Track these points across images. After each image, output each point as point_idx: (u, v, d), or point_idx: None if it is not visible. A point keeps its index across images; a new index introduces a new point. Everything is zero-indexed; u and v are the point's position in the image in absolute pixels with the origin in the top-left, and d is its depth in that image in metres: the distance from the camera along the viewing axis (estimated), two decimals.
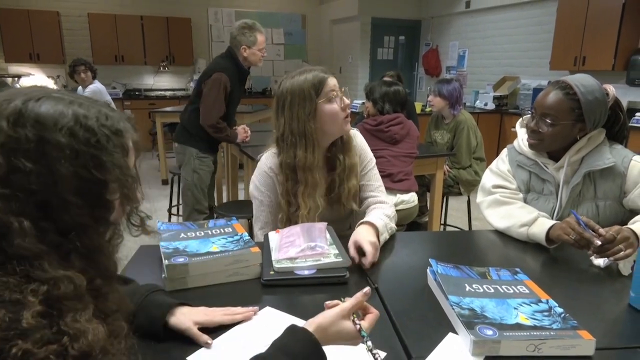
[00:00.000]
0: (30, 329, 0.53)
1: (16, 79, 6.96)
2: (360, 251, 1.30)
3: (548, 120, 1.47)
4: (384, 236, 1.45)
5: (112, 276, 0.72)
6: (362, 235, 1.33)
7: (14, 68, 7.12)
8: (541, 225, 1.43)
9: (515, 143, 1.66)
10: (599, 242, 1.23)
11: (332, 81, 1.47)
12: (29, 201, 0.59)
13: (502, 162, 1.67)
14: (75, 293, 0.60)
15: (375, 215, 1.48)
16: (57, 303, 0.58)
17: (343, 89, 1.50)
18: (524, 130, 1.64)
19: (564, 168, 1.51)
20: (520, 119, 1.68)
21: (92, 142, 0.64)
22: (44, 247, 0.59)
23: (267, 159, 1.55)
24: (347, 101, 1.48)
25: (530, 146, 1.56)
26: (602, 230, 1.25)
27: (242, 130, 3.25)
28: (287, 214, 1.54)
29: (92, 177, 0.63)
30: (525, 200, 1.60)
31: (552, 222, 1.43)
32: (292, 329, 0.80)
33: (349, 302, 0.82)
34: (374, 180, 1.65)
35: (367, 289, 0.83)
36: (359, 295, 0.83)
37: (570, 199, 1.52)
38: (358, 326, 0.80)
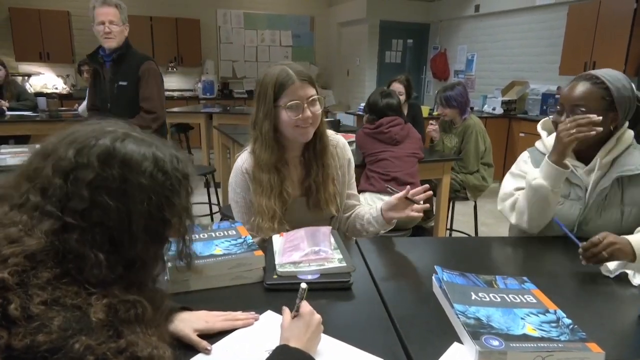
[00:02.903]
0: (95, 328, 0.57)
1: (26, 77, 7.02)
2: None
3: (581, 111, 1.42)
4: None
5: (160, 305, 0.77)
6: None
7: (24, 67, 7.18)
8: (541, 169, 1.46)
9: (538, 145, 1.63)
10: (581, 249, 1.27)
11: (298, 90, 1.38)
12: (104, 235, 0.64)
13: (524, 163, 1.62)
14: (139, 316, 0.66)
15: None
16: (120, 320, 0.63)
17: (315, 98, 1.41)
18: (546, 132, 1.62)
19: (595, 171, 1.48)
20: (545, 118, 1.66)
21: (167, 185, 0.69)
22: (113, 277, 0.64)
23: (242, 160, 1.53)
24: (307, 114, 1.39)
25: None
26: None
27: None
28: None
29: (161, 216, 0.69)
30: None
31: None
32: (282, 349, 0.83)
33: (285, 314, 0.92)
34: (354, 189, 1.71)
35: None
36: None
37: (596, 202, 1.49)
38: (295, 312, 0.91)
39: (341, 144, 1.64)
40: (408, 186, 1.46)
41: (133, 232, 0.66)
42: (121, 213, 0.64)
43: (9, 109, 4.60)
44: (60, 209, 0.63)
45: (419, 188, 1.44)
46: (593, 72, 1.46)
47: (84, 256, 0.62)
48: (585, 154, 1.52)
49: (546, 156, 1.46)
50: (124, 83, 2.71)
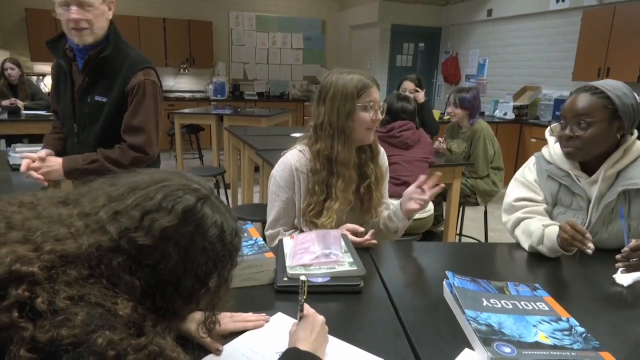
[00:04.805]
0: (117, 325, 0.58)
1: (41, 77, 7.12)
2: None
3: (584, 122, 1.40)
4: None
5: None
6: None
7: (39, 67, 7.27)
8: (550, 239, 1.40)
9: (544, 151, 1.59)
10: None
11: (374, 92, 1.51)
12: (149, 275, 0.66)
13: (529, 171, 1.60)
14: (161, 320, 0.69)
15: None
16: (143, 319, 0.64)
17: (381, 104, 1.54)
18: (554, 138, 1.58)
19: (598, 183, 1.44)
20: (551, 125, 1.62)
21: (219, 255, 0.72)
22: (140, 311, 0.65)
23: (294, 157, 1.57)
24: (379, 116, 1.51)
25: (567, 155, 1.48)
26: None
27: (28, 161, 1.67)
28: (319, 204, 1.53)
29: (204, 281, 0.71)
30: (551, 214, 1.54)
31: (556, 230, 1.38)
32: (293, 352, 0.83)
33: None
34: (387, 197, 1.76)
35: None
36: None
37: (602, 216, 1.46)
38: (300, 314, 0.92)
39: (381, 151, 1.70)
40: (422, 176, 1.50)
41: (175, 285, 0.68)
42: (177, 267, 0.67)
43: (24, 108, 4.67)
44: (119, 234, 0.65)
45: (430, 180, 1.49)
46: (595, 83, 1.43)
47: (120, 277, 0.63)
48: (590, 164, 1.47)
49: (557, 236, 1.37)
50: (102, 99, 1.75)
